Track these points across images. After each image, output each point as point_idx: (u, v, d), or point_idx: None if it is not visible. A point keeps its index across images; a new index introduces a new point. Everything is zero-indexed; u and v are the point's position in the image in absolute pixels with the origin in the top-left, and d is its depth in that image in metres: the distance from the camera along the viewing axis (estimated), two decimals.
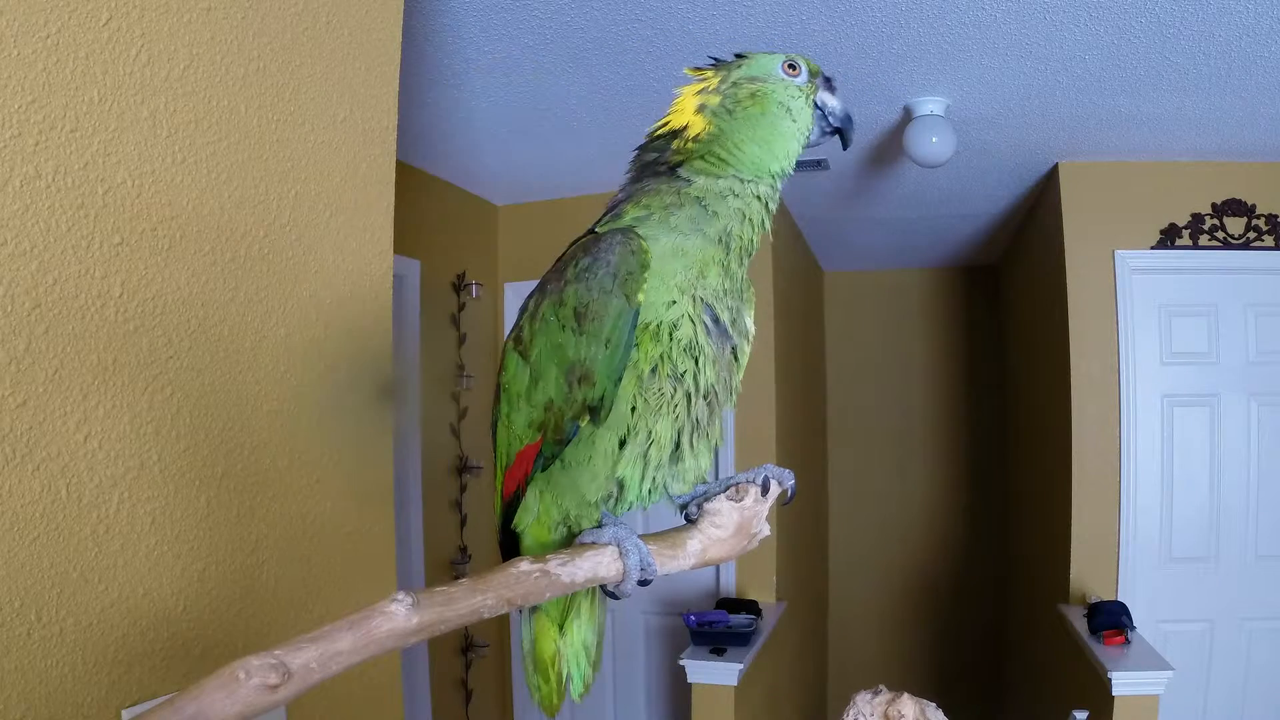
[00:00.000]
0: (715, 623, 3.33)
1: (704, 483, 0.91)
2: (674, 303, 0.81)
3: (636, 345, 0.80)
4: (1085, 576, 3.41)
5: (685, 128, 0.87)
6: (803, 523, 4.63)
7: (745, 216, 0.85)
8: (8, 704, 0.93)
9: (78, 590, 1.01)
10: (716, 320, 0.84)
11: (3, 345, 0.94)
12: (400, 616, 0.70)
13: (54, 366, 0.99)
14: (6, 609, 0.94)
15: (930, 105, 2.80)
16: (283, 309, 1.31)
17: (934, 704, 0.96)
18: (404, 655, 2.75)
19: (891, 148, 3.19)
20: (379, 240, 1.50)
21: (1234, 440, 3.42)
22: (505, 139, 3.19)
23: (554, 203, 3.99)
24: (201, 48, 1.17)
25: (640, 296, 0.79)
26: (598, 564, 0.82)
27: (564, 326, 0.81)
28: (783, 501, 0.93)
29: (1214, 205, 3.39)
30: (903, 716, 0.94)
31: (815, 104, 0.88)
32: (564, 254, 0.87)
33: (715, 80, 0.87)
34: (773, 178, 0.87)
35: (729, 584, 3.88)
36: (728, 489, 0.88)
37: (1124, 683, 2.70)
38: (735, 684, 3.13)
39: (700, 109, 0.87)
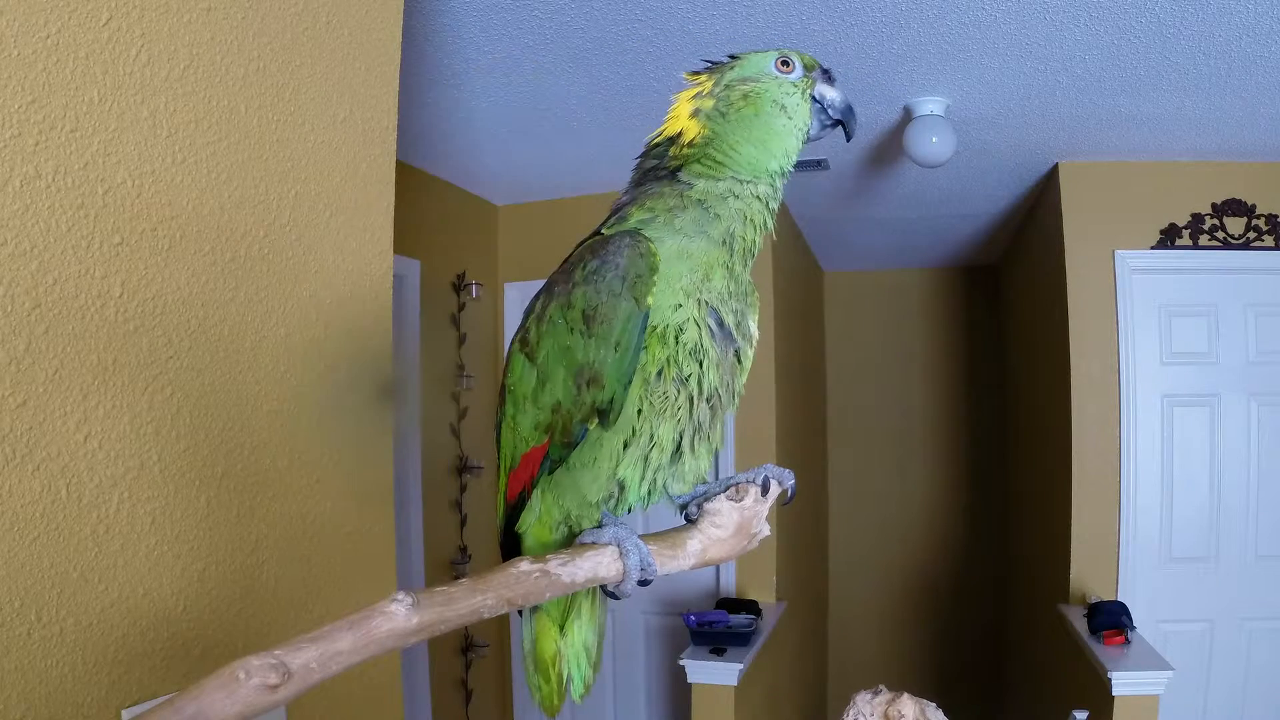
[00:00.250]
0: (715, 623, 3.33)
1: (704, 483, 0.91)
2: (680, 306, 0.81)
3: (645, 348, 0.80)
4: (1085, 576, 3.41)
5: (681, 134, 0.87)
6: (803, 523, 4.64)
7: (747, 217, 0.85)
8: (8, 704, 0.93)
9: (78, 590, 1.01)
10: (721, 323, 0.84)
11: (3, 345, 0.94)
12: (400, 616, 0.70)
13: (54, 366, 0.99)
14: (6, 609, 0.94)
15: (930, 105, 2.80)
16: (283, 309, 1.31)
17: (934, 704, 0.96)
18: (404, 655, 2.75)
19: (891, 148, 3.19)
20: (379, 240, 1.50)
21: (1234, 440, 3.42)
22: (505, 139, 3.19)
23: (554, 203, 3.99)
24: (201, 48, 1.17)
25: (650, 299, 0.79)
26: (598, 564, 0.82)
27: (572, 329, 0.80)
28: (783, 501, 0.93)
29: (1214, 205, 3.39)
30: (903, 716, 0.94)
31: (813, 98, 0.88)
32: (570, 256, 0.87)
33: (709, 84, 0.87)
34: (772, 177, 0.87)
35: (729, 584, 3.88)
36: (728, 489, 0.88)
37: (1124, 683, 2.70)
38: (735, 684, 3.13)
39: (695, 114, 0.87)
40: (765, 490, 0.88)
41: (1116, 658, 2.80)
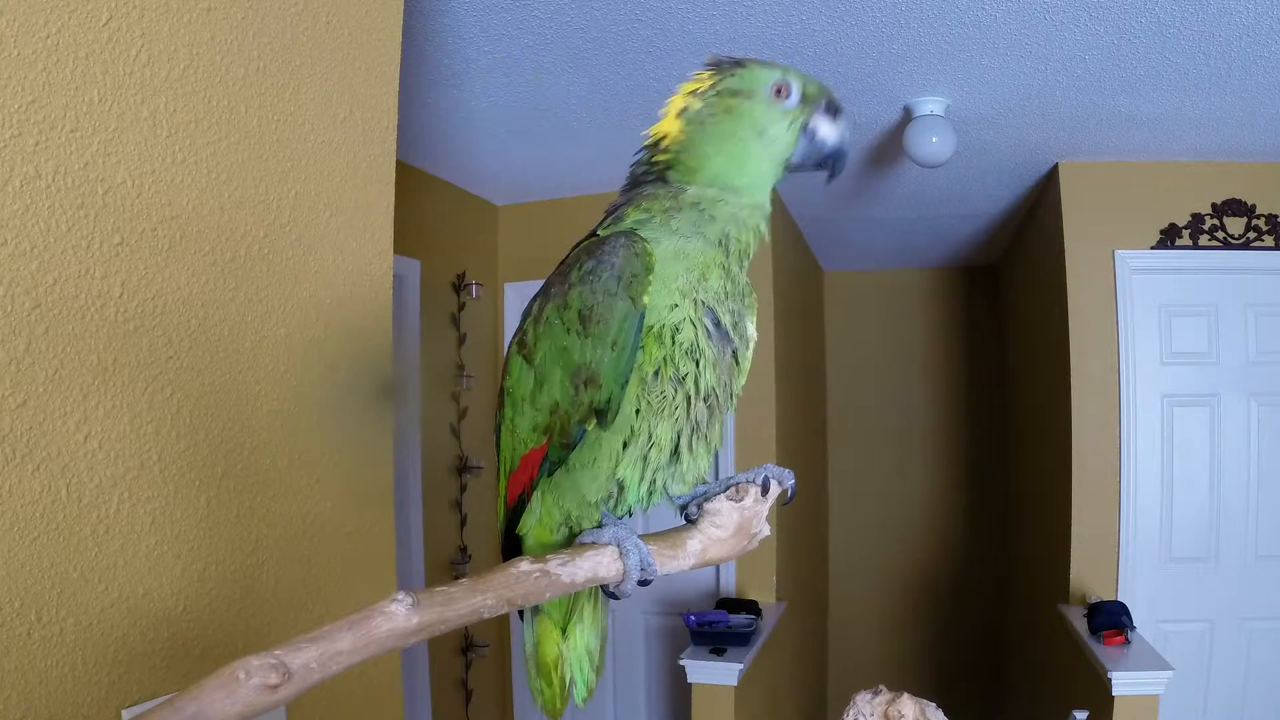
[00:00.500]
0: (715, 623, 3.33)
1: (704, 483, 0.91)
2: (676, 305, 0.81)
3: (641, 348, 0.79)
4: (1085, 576, 3.41)
5: (663, 135, 0.86)
6: (803, 523, 4.63)
7: (741, 220, 0.84)
8: (8, 704, 0.93)
9: (78, 590, 1.01)
10: (718, 324, 0.83)
11: (3, 345, 0.94)
12: (400, 616, 0.70)
13: (54, 366, 0.99)
14: (6, 609, 0.94)
15: (930, 105, 2.80)
16: (283, 309, 1.31)
17: (934, 704, 0.96)
18: (404, 655, 2.75)
19: (891, 148, 3.19)
20: (379, 240, 1.50)
21: (1234, 440, 3.42)
22: (505, 139, 3.19)
23: (554, 203, 3.99)
24: (201, 48, 1.17)
25: (646, 299, 0.79)
26: (598, 564, 0.82)
27: (569, 329, 0.80)
28: (783, 501, 0.93)
29: (1214, 205, 3.39)
30: (903, 716, 0.94)
31: (806, 128, 0.85)
32: (567, 257, 0.87)
33: (706, 83, 0.86)
34: (749, 191, 0.85)
35: (729, 584, 3.88)
36: (728, 489, 0.88)
37: (1124, 683, 2.70)
38: (735, 684, 3.13)
39: (681, 112, 0.86)
40: (765, 490, 0.88)
41: (1116, 658, 2.80)
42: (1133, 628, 2.98)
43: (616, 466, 0.84)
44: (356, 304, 1.45)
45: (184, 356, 1.15)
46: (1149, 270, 3.43)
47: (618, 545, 0.83)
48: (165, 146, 1.13)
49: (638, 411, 0.81)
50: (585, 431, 0.83)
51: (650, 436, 0.83)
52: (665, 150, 0.86)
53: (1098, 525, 3.40)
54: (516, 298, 4.07)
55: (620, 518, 0.88)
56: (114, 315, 1.06)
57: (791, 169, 0.87)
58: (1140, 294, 3.43)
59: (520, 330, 0.87)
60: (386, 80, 1.51)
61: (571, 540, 0.90)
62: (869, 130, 3.06)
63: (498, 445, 0.92)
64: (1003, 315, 5.23)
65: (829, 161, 0.87)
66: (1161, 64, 2.53)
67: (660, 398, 0.81)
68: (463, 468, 3.75)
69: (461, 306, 3.78)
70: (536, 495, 0.90)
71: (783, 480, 0.89)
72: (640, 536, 0.85)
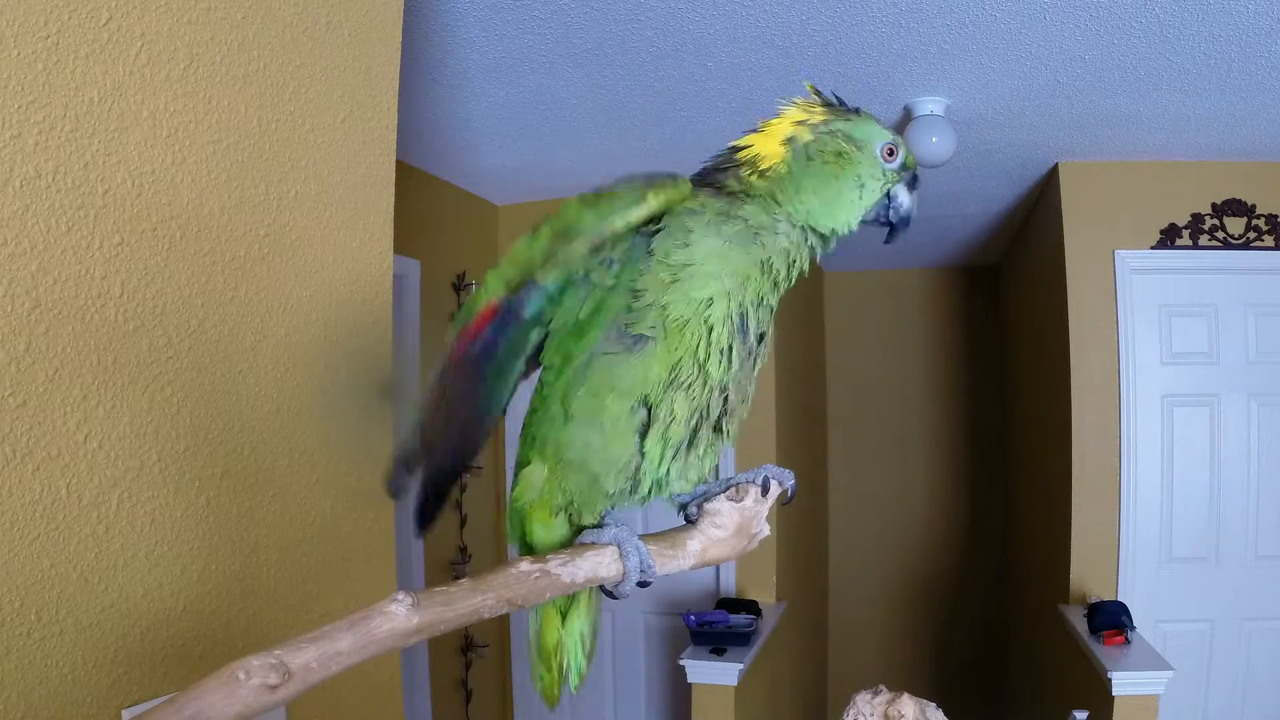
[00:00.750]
0: (715, 623, 3.34)
1: (704, 483, 0.91)
2: (712, 301, 0.82)
3: (666, 335, 0.81)
4: (1085, 576, 3.41)
5: (761, 156, 0.87)
6: (803, 523, 4.64)
7: (788, 256, 0.86)
8: (8, 704, 0.93)
9: (78, 590, 1.01)
10: (745, 328, 0.84)
11: (3, 345, 0.94)
12: (400, 617, 0.70)
13: (54, 366, 0.99)
14: (6, 609, 0.94)
15: (930, 105, 2.80)
16: (283, 309, 1.31)
17: (934, 704, 0.96)
18: (404, 655, 2.75)
19: None
20: (379, 240, 1.50)
21: (1234, 440, 3.42)
22: (505, 139, 3.19)
23: (554, 203, 3.97)
24: (201, 48, 1.17)
25: (652, 200, 0.80)
26: (598, 564, 0.83)
27: (581, 201, 0.83)
28: (783, 501, 0.93)
29: (1214, 205, 3.39)
30: (903, 716, 0.94)
31: (889, 194, 0.89)
32: None
33: (819, 117, 0.87)
34: (824, 236, 0.88)
35: (729, 584, 3.88)
36: (728, 489, 0.89)
37: (1124, 683, 2.70)
38: (735, 684, 3.13)
39: (789, 140, 0.87)
40: (765, 490, 0.88)
41: (1116, 658, 2.80)
42: (1133, 628, 2.98)
43: (633, 438, 0.83)
44: (356, 304, 1.45)
45: (184, 356, 1.15)
46: (1149, 270, 3.43)
47: (618, 546, 0.83)
48: (165, 146, 1.13)
49: (664, 382, 0.82)
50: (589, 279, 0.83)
51: (671, 411, 0.83)
52: (763, 173, 0.86)
53: (1098, 525, 3.40)
54: None
55: (620, 517, 0.88)
56: (114, 315, 1.06)
57: (862, 224, 0.90)
58: (1140, 294, 3.43)
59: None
60: (386, 80, 1.51)
61: (567, 530, 0.90)
62: None
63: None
64: (1003, 315, 5.23)
65: (894, 227, 0.91)
66: (1161, 64, 2.53)
67: (686, 376, 0.82)
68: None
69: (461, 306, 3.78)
70: (543, 468, 0.89)
71: (783, 480, 0.89)
72: (640, 537, 0.85)
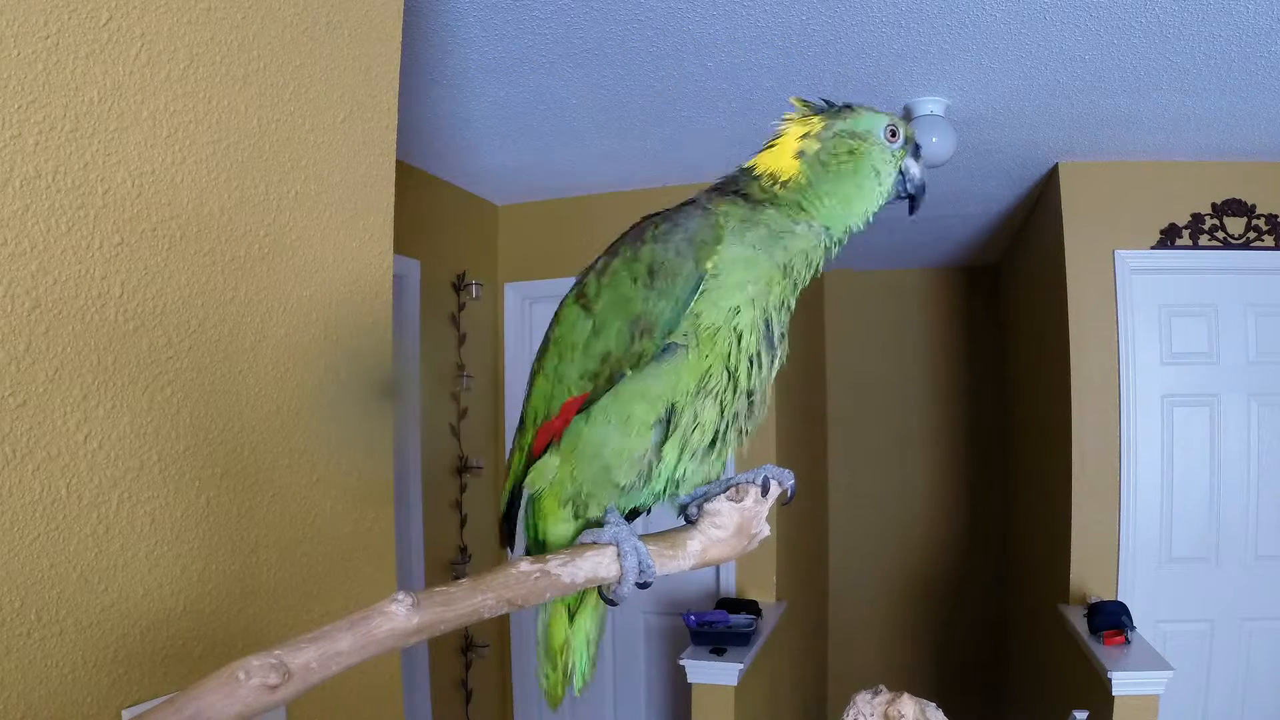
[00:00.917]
0: (715, 623, 3.33)
1: (707, 483, 0.91)
2: (740, 309, 0.84)
3: (698, 343, 0.83)
4: (1085, 576, 3.41)
5: (778, 171, 0.89)
6: (803, 523, 4.64)
7: (807, 258, 0.88)
8: (8, 704, 0.93)
9: (78, 590, 1.01)
10: (769, 333, 0.86)
11: (3, 345, 0.94)
12: (400, 616, 0.70)
13: (54, 366, 0.99)
14: (6, 609, 0.94)
15: (930, 105, 2.80)
16: (283, 309, 1.31)
17: (934, 704, 0.96)
18: (404, 655, 2.76)
19: None
20: (379, 240, 1.50)
21: (1234, 440, 3.42)
22: (505, 139, 3.19)
23: (554, 203, 3.99)
24: (201, 48, 1.17)
25: (708, 264, 0.82)
26: (598, 564, 0.83)
27: (635, 280, 0.84)
28: (783, 502, 0.93)
29: (1214, 205, 3.39)
30: (903, 716, 0.94)
31: (900, 169, 0.91)
32: (637, 223, 0.90)
33: (819, 126, 0.89)
34: (844, 232, 0.90)
35: (729, 584, 3.88)
36: (727, 489, 0.89)
37: (1124, 683, 2.70)
38: (735, 684, 3.13)
39: (799, 154, 0.88)
40: (765, 491, 0.88)
41: (1116, 658, 2.80)
42: (1133, 628, 2.98)
43: (650, 440, 0.84)
44: (356, 304, 1.45)
45: (184, 356, 1.15)
46: (1149, 270, 3.43)
47: (617, 546, 0.83)
48: (165, 146, 1.13)
49: (690, 392, 0.84)
50: (625, 375, 0.85)
51: (695, 417, 0.85)
52: (784, 184, 0.88)
53: (1098, 525, 3.40)
54: (516, 298, 4.07)
55: (621, 517, 0.88)
56: (114, 315, 1.06)
57: (882, 206, 0.92)
58: (1140, 294, 3.43)
59: (580, 284, 0.90)
60: (386, 80, 1.51)
61: (574, 525, 0.91)
62: None
63: (529, 396, 0.94)
64: (1003, 315, 5.23)
65: (914, 196, 0.93)
66: (1161, 64, 2.53)
67: (714, 384, 0.85)
68: (463, 468, 3.75)
69: (461, 306, 3.78)
70: (556, 456, 0.91)
71: (782, 480, 0.90)
72: (640, 537, 0.86)
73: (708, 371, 0.83)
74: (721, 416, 0.86)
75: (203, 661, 1.16)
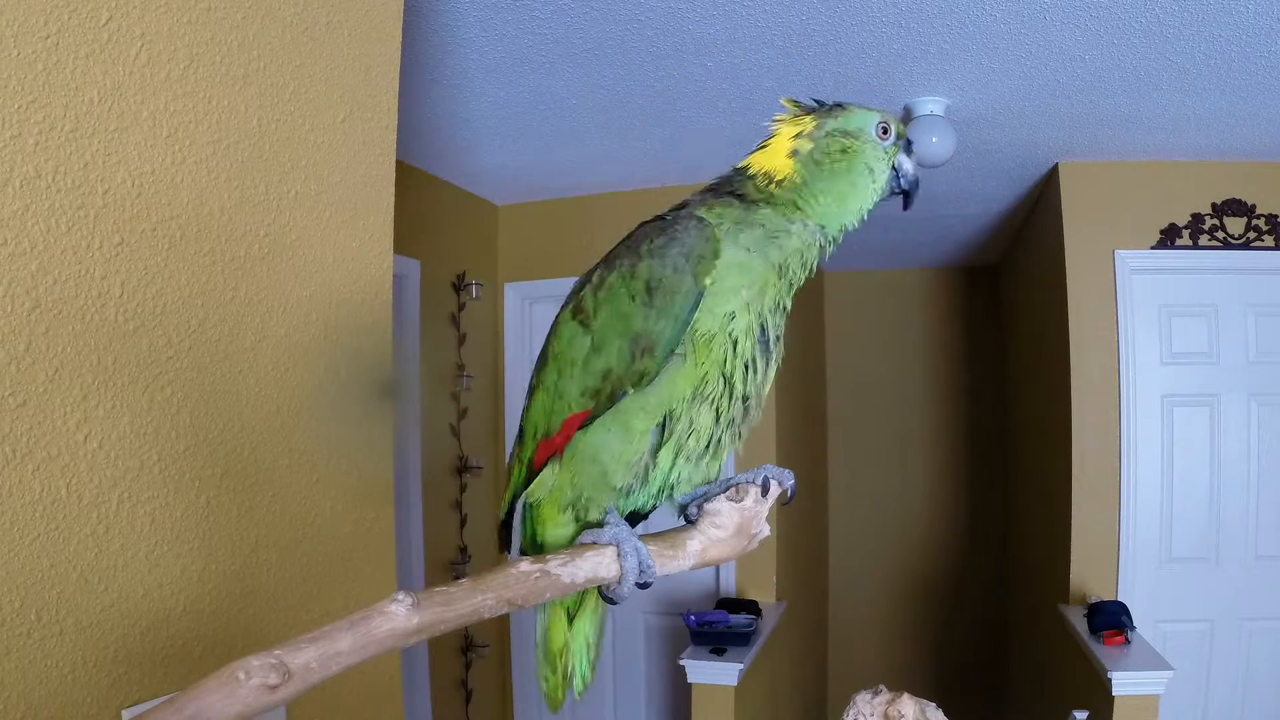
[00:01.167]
0: (715, 623, 3.33)
1: (705, 483, 0.91)
2: (734, 315, 0.83)
3: (694, 350, 0.82)
4: (1085, 576, 3.41)
5: (773, 170, 0.89)
6: (803, 523, 4.64)
7: (802, 257, 0.88)
8: (8, 704, 0.93)
9: (78, 590, 1.01)
10: (765, 337, 0.86)
11: (3, 345, 0.94)
12: (400, 616, 0.70)
13: (54, 366, 0.99)
14: (6, 609, 0.94)
15: (930, 105, 2.80)
16: (283, 309, 1.31)
17: (934, 704, 0.96)
18: (404, 655, 2.75)
19: None
20: (379, 240, 1.50)
21: (1234, 440, 3.42)
22: (505, 139, 3.19)
23: (554, 203, 3.99)
24: (201, 48, 1.17)
25: (707, 280, 0.82)
26: (598, 565, 0.83)
27: (633, 298, 0.83)
28: (782, 502, 0.93)
29: (1214, 205, 3.39)
30: (903, 716, 0.94)
31: (893, 165, 0.91)
32: (634, 232, 0.89)
33: (810, 125, 0.89)
34: (839, 230, 0.90)
35: (729, 584, 3.88)
36: (727, 489, 0.89)
37: (1124, 683, 2.70)
38: (735, 684, 3.13)
39: (793, 154, 0.89)
40: (765, 491, 0.88)
41: (1116, 658, 2.80)
42: (1133, 628, 2.98)
43: (646, 446, 0.85)
44: (356, 304, 1.45)
45: (184, 356, 1.15)
46: (1149, 270, 3.43)
47: (617, 546, 0.83)
48: (165, 146, 1.13)
49: (685, 398, 0.84)
50: (627, 393, 0.84)
51: (691, 423, 0.85)
52: (779, 183, 0.88)
53: (1098, 525, 3.39)
54: (516, 298, 4.07)
55: (621, 517, 0.88)
56: (114, 315, 1.06)
57: (877, 203, 0.92)
58: (1140, 294, 3.43)
59: (576, 297, 0.89)
60: (386, 81, 1.51)
61: (574, 529, 0.91)
62: None
63: (528, 408, 0.94)
64: (1003, 315, 5.23)
65: (907, 192, 0.93)
66: (1161, 64, 2.53)
67: (710, 391, 0.84)
68: (463, 468, 3.75)
69: (461, 306, 3.78)
70: (555, 466, 0.91)
71: (782, 480, 0.90)
72: (640, 537, 0.86)
73: (704, 378, 0.83)
74: (717, 422, 0.86)
75: (203, 661, 1.16)
